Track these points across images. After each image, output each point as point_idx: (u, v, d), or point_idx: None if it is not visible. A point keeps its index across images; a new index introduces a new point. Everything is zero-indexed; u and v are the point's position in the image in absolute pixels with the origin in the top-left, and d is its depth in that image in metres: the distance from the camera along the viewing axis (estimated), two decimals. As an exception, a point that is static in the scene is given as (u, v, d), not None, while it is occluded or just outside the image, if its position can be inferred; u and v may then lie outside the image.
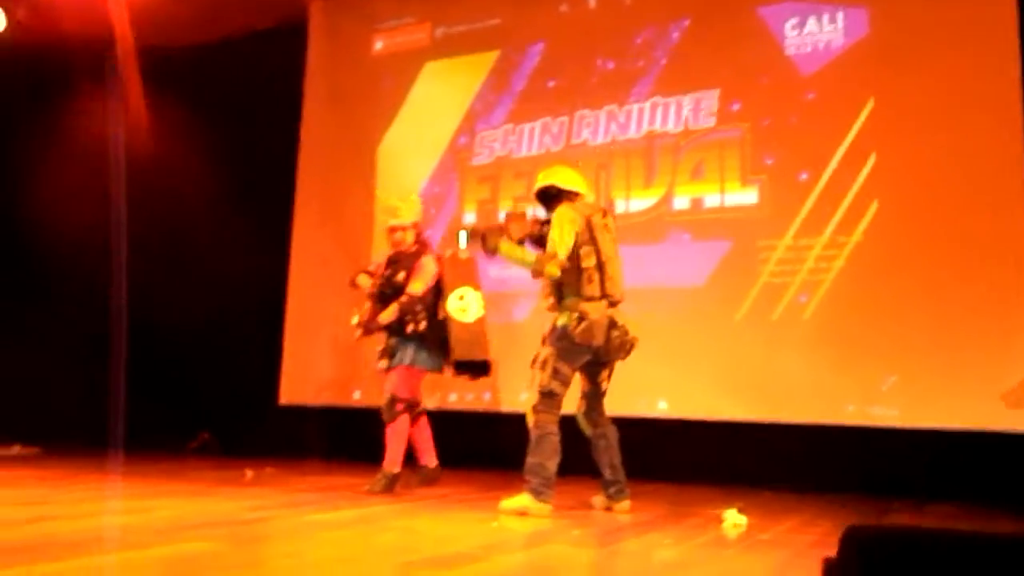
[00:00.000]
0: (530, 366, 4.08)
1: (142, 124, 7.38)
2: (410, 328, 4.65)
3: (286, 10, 7.69)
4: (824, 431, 5.42)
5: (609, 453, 4.14)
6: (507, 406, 6.32)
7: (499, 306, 6.43)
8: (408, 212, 4.83)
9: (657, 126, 6.21)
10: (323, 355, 7.37)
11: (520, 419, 6.30)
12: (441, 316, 4.71)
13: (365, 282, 4.89)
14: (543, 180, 4.27)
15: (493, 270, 6.71)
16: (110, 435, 5.76)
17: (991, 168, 5.19)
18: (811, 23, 5.78)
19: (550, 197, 4.23)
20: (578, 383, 4.15)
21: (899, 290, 5.36)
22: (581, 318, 3.90)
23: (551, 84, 6.67)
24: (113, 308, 6.47)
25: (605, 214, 4.21)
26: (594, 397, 4.19)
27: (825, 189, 5.65)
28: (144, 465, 5.66)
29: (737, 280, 5.84)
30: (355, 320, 4.81)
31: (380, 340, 4.81)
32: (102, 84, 7.65)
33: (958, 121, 5.30)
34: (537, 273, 4.01)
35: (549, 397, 3.94)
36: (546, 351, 4.00)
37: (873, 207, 5.50)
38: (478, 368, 4.73)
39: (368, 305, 4.83)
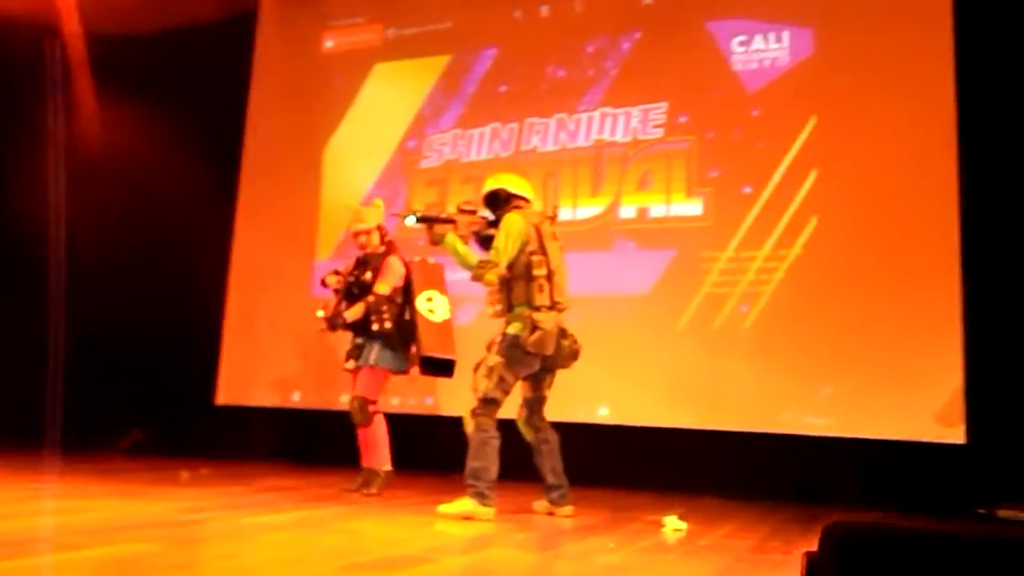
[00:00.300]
0: (473, 371, 4.08)
1: (90, 115, 7.18)
2: (375, 326, 4.69)
3: (236, 2, 7.57)
4: (761, 439, 5.53)
5: (551, 458, 4.16)
6: (448, 410, 6.31)
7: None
8: (371, 216, 4.90)
9: (606, 135, 6.28)
10: (263, 355, 7.26)
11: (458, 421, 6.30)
12: (408, 317, 4.74)
13: (333, 280, 4.96)
14: (492, 184, 4.28)
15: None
16: (45, 434, 5.59)
17: (926, 188, 5.37)
18: (758, 40, 5.92)
19: (498, 202, 4.23)
20: (519, 389, 4.16)
21: (835, 303, 5.51)
22: (534, 327, 3.91)
23: (502, 90, 6.70)
24: (51, 305, 6.28)
25: (553, 221, 4.24)
26: (536, 403, 4.21)
27: (767, 203, 5.78)
28: (77, 465, 5.50)
29: (680, 289, 5.93)
30: (320, 314, 4.84)
31: (343, 340, 4.87)
32: (47, 73, 7.43)
33: (895, 141, 5.48)
34: (476, 277, 4.01)
35: (490, 404, 3.95)
36: (494, 359, 3.97)
37: (813, 222, 5.65)
38: (444, 367, 4.73)
39: (335, 301, 4.86)
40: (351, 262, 5.00)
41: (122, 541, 2.76)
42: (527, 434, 4.20)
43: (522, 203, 4.19)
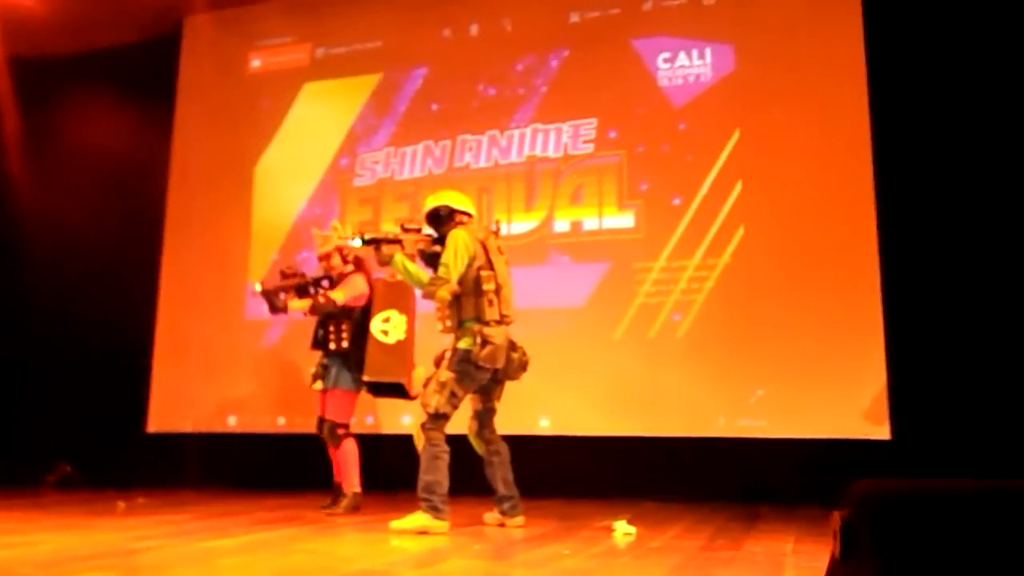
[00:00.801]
0: (423, 387, 4.11)
1: (12, 139, 6.96)
2: (332, 344, 4.75)
3: (159, 23, 7.45)
4: (699, 443, 5.69)
5: (502, 469, 4.21)
6: (390, 428, 6.31)
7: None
8: (329, 240, 4.94)
9: (538, 151, 6.40)
10: (195, 380, 7.12)
11: (400, 440, 6.30)
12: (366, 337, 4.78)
13: (291, 271, 5.01)
14: (434, 201, 4.31)
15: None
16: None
17: (844, 194, 5.63)
18: (682, 57, 6.13)
19: (440, 219, 4.27)
20: (468, 403, 4.21)
21: (764, 309, 5.72)
22: (485, 342, 3.97)
23: (434, 108, 6.76)
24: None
25: (496, 235, 4.31)
26: (486, 416, 4.25)
27: (696, 214, 5.97)
28: (6, 500, 5.30)
29: (615, 300, 6.07)
30: (258, 288, 4.86)
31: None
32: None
33: (815, 151, 5.74)
34: (429, 294, 4.05)
35: (440, 419, 3.99)
36: (445, 374, 4.00)
37: (740, 231, 5.86)
38: (395, 389, 4.73)
39: (283, 285, 4.87)
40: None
41: (80, 571, 2.71)
42: (478, 447, 4.24)
43: (465, 218, 4.25)
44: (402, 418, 6.18)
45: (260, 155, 7.25)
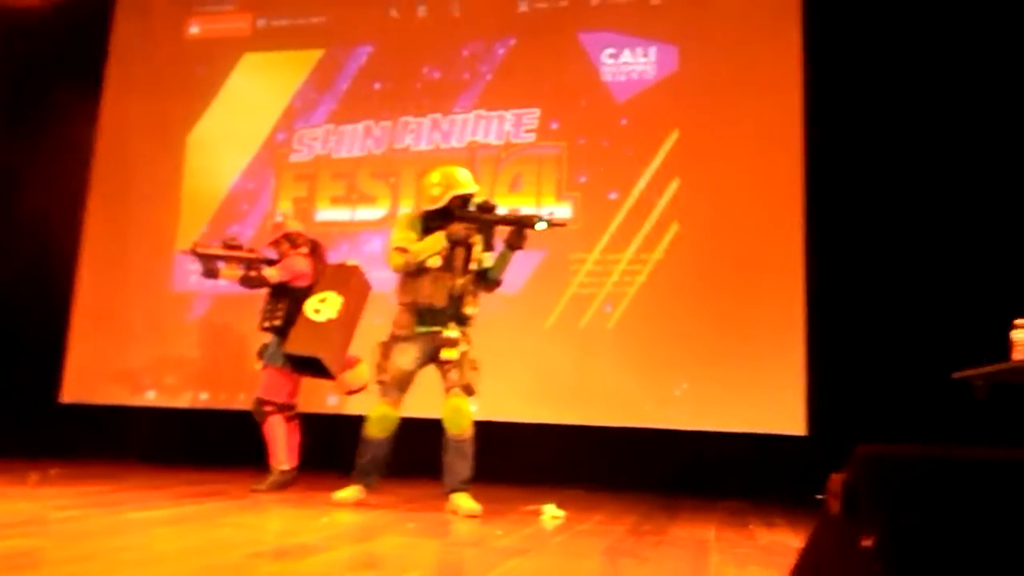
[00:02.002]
0: (457, 367, 4.07)
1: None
2: (266, 323, 4.72)
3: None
4: (623, 432, 5.81)
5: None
6: (317, 407, 6.25)
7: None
8: (276, 229, 4.99)
9: (479, 137, 6.41)
10: (114, 352, 6.92)
11: (334, 419, 6.26)
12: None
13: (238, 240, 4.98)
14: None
15: (377, 272, 6.61)
16: None
17: (775, 199, 5.82)
18: (626, 54, 6.22)
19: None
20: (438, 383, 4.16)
21: (692, 305, 5.87)
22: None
23: (376, 87, 6.71)
24: None
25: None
26: None
27: (632, 209, 6.08)
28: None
29: (548, 290, 6.14)
30: (196, 249, 4.80)
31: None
32: None
33: (749, 154, 5.91)
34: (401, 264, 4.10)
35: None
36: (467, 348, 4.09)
37: (673, 228, 6.00)
38: (310, 366, 4.67)
39: (229, 255, 4.79)
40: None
41: (5, 538, 2.62)
42: None
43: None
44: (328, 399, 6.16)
45: (193, 124, 7.06)
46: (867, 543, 0.89)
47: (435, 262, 4.06)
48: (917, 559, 0.88)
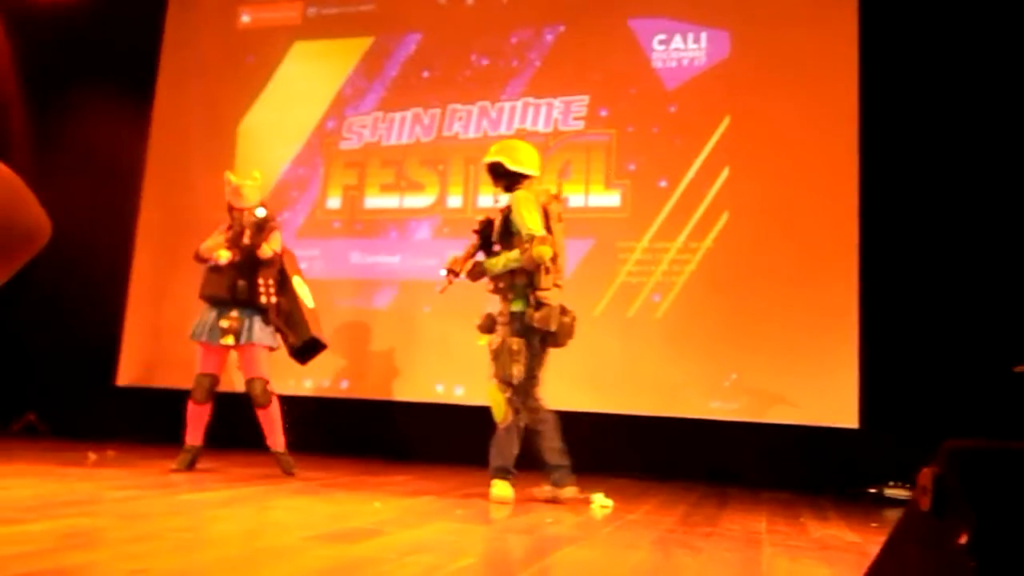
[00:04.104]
0: (493, 358, 4.02)
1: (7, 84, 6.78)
2: (263, 298, 4.57)
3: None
4: (671, 422, 5.76)
5: (550, 438, 4.10)
6: (369, 393, 6.31)
7: (359, 292, 6.42)
8: (252, 193, 4.87)
9: (528, 125, 6.38)
10: (167, 336, 7.03)
11: (378, 405, 6.31)
12: (284, 296, 4.68)
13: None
14: (494, 156, 4.16)
15: (355, 255, 6.69)
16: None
17: (829, 188, 5.71)
18: (677, 40, 6.14)
19: (499, 174, 4.15)
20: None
21: (743, 295, 5.79)
22: (539, 303, 3.95)
23: (425, 75, 6.71)
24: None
25: (557, 199, 4.22)
26: (533, 385, 4.11)
27: (682, 197, 6.01)
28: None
29: (597, 278, 6.09)
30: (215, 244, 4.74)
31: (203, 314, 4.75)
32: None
33: (802, 142, 5.80)
34: (538, 257, 3.90)
35: (525, 387, 4.00)
36: (516, 342, 3.94)
37: (724, 217, 5.92)
38: (316, 349, 4.71)
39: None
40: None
41: (64, 516, 2.69)
42: (523, 418, 4.10)
43: (523, 179, 4.14)
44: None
45: (245, 113, 7.14)
46: (961, 540, 0.86)
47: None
48: (1014, 557, 0.85)
